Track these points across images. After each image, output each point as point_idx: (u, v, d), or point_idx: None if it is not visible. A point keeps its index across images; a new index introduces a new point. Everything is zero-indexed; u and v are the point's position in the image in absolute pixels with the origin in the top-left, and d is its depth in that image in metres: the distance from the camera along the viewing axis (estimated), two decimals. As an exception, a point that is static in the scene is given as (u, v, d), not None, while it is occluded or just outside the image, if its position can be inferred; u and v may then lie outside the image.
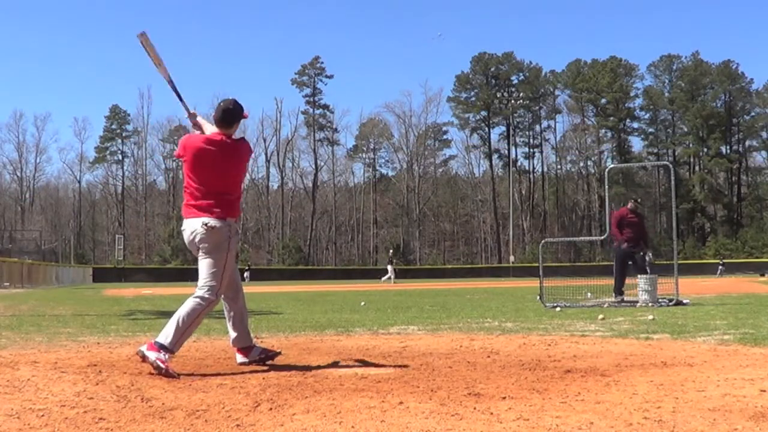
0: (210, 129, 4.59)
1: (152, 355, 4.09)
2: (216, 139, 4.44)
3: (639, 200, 13.48)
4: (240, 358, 4.60)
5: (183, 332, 4.24)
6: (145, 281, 47.29)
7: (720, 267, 54.33)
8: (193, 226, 4.36)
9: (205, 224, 4.31)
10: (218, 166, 4.38)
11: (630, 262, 12.32)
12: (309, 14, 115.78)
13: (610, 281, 13.47)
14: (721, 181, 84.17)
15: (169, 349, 4.16)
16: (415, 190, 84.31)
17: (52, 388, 3.63)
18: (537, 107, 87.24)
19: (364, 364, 4.61)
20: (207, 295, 4.31)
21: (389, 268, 38.61)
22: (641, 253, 12.24)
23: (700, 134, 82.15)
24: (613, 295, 12.31)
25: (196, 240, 4.36)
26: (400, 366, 4.48)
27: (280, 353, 4.68)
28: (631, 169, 79.53)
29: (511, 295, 17.13)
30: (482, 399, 3.31)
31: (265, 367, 4.46)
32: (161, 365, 4.03)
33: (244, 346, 4.60)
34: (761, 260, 61.47)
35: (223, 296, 4.56)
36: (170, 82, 4.75)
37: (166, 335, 4.19)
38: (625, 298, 12.13)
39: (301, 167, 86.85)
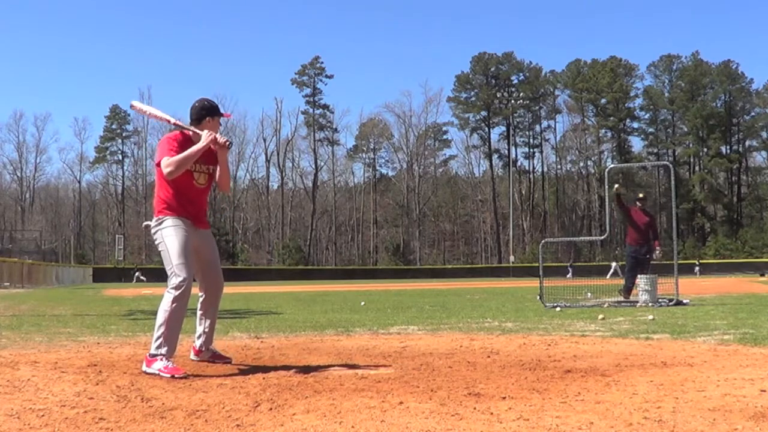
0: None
1: (154, 369, 4.08)
2: None
3: (642, 195, 13.17)
4: (192, 354, 4.70)
5: (169, 332, 4.19)
6: (145, 281, 47.27)
7: (696, 267, 54.82)
8: None
9: (145, 225, 4.54)
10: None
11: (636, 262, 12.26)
12: (309, 14, 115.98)
13: (610, 281, 13.47)
14: (721, 181, 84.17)
15: (161, 354, 4.13)
16: (415, 190, 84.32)
17: (52, 388, 3.63)
18: (537, 107, 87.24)
19: (364, 364, 4.61)
20: (171, 282, 4.25)
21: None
22: (647, 255, 12.16)
23: (700, 134, 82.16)
24: (619, 294, 12.32)
25: None
26: (400, 366, 4.48)
27: (230, 360, 4.68)
28: (631, 169, 79.52)
29: (511, 295, 17.14)
30: (482, 399, 3.31)
31: (265, 367, 4.46)
32: (166, 375, 4.01)
33: (199, 351, 4.66)
34: (761, 260, 61.50)
35: (200, 296, 4.60)
36: (177, 124, 4.59)
37: (154, 343, 4.19)
38: (626, 298, 12.12)
39: (301, 167, 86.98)
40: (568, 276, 40.17)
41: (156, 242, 4.41)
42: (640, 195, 13.14)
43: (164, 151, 4.34)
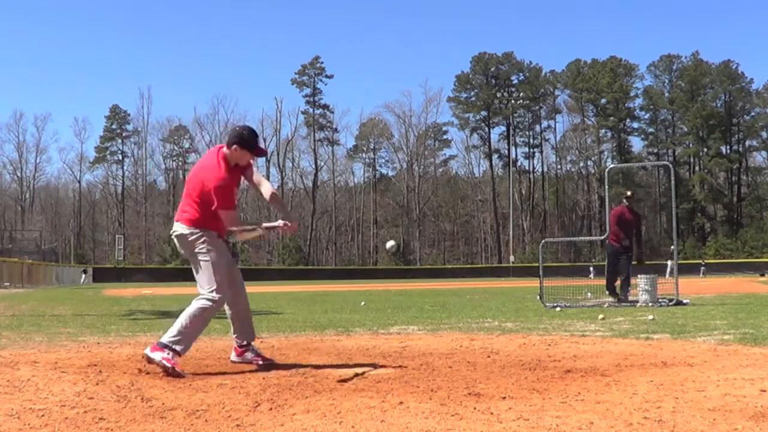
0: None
1: (158, 356, 4.08)
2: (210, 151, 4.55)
3: (630, 194, 13.26)
4: (233, 355, 4.66)
5: (188, 333, 4.23)
6: (145, 281, 47.31)
7: (702, 267, 54.77)
8: (173, 230, 4.53)
9: (174, 231, 4.47)
10: (195, 175, 4.46)
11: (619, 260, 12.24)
12: (309, 14, 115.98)
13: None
14: (721, 181, 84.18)
15: (176, 351, 4.14)
16: (415, 190, 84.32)
17: (52, 388, 3.63)
18: (537, 107, 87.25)
19: (364, 364, 4.61)
20: (209, 296, 4.32)
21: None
22: (628, 255, 12.18)
23: (700, 134, 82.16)
24: (607, 293, 12.28)
25: (177, 245, 4.52)
26: (400, 366, 4.48)
27: (272, 362, 4.63)
28: (631, 169, 79.51)
29: (511, 295, 17.13)
30: (482, 399, 3.31)
31: (265, 367, 4.46)
32: (167, 364, 4.02)
33: (241, 344, 4.63)
34: (761, 260, 61.49)
35: (228, 310, 4.63)
36: (269, 228, 4.68)
37: (170, 336, 4.19)
38: (629, 297, 12.07)
39: (301, 167, 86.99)
40: (590, 276, 40.03)
41: (195, 250, 4.39)
42: (628, 193, 13.12)
43: (219, 191, 4.29)
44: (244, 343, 4.64)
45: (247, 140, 4.39)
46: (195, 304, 4.31)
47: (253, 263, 74.90)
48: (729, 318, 8.32)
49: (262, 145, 4.57)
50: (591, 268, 46.40)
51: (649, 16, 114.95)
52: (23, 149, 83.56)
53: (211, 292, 4.31)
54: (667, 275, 41.53)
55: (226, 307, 4.63)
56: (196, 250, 4.38)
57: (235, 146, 4.37)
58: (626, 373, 4.09)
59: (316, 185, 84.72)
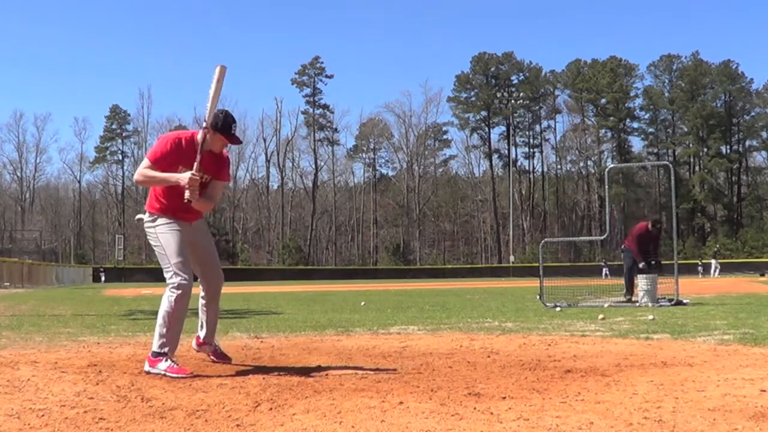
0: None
1: (160, 368, 4.07)
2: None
3: (659, 224, 13.34)
4: (194, 343, 4.67)
5: (168, 328, 4.16)
6: (145, 281, 47.27)
7: (699, 266, 54.47)
8: None
9: (138, 218, 4.43)
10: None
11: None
12: (309, 14, 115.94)
13: (610, 281, 13.47)
14: (721, 181, 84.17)
15: (164, 353, 4.11)
16: (415, 190, 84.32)
17: (52, 388, 3.63)
18: (537, 107, 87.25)
19: (364, 364, 4.60)
20: (171, 282, 4.20)
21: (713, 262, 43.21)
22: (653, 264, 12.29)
23: (700, 134, 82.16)
24: (623, 297, 12.33)
25: None
26: (400, 366, 4.48)
27: (230, 360, 4.63)
28: (631, 169, 79.51)
29: (511, 295, 17.13)
30: (482, 399, 3.31)
31: (265, 367, 4.46)
32: (172, 374, 4.00)
33: (203, 342, 4.63)
34: (761, 260, 61.48)
35: (201, 294, 4.54)
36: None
37: (157, 342, 4.17)
38: (632, 298, 12.11)
39: (301, 167, 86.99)
40: (605, 276, 39.45)
41: (149, 238, 4.36)
42: (656, 217, 13.17)
43: (154, 151, 4.20)
44: (206, 341, 4.62)
45: (220, 125, 4.20)
46: (165, 299, 4.21)
47: (253, 263, 74.96)
48: (729, 318, 8.32)
49: (236, 132, 4.34)
50: (604, 269, 45.68)
51: (649, 16, 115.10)
52: (23, 149, 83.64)
53: (171, 277, 4.19)
54: (712, 274, 41.54)
55: (200, 304, 4.56)
56: (148, 235, 4.34)
57: (208, 128, 4.20)
58: (626, 373, 4.09)
59: (316, 185, 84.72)
